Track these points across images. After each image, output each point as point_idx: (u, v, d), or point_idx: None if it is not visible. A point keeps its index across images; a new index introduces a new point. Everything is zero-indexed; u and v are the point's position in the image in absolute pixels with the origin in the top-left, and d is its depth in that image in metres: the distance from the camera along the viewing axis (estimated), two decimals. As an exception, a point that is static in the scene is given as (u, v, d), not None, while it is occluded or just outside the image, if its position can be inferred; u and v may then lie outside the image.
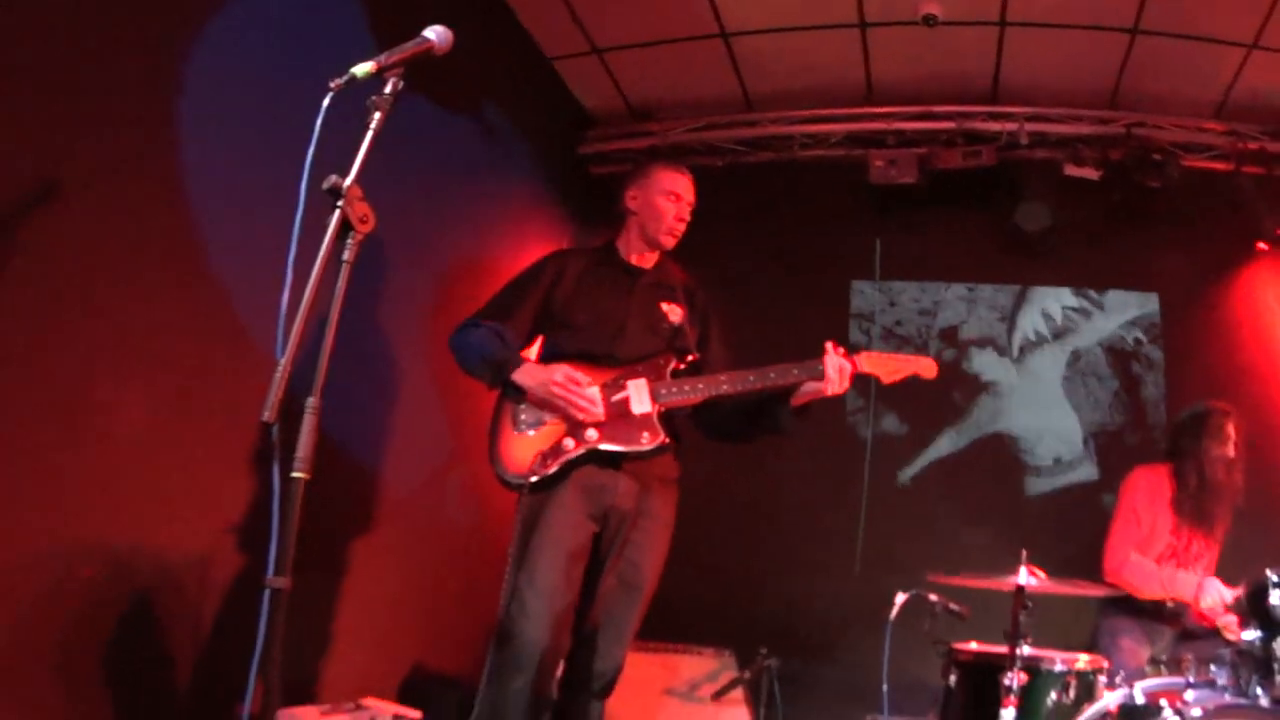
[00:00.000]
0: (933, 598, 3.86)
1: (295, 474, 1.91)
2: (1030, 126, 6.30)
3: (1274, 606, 2.99)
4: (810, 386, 3.28)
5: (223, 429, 3.48)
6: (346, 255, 2.05)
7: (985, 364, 6.52)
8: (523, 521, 3.16)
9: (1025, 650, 3.37)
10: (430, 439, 4.87)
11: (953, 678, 3.80)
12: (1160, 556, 4.32)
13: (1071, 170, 6.02)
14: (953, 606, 3.85)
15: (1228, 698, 2.86)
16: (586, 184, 6.73)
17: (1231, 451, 4.36)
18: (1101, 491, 5.75)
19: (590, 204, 6.44)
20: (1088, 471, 6.13)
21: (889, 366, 3.36)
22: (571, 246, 3.82)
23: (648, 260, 3.63)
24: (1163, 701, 2.87)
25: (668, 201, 3.53)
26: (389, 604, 4.57)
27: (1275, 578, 3.04)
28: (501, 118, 5.63)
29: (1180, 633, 4.28)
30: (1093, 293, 6.58)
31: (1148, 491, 4.42)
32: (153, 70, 3.20)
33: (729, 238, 6.42)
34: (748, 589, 5.93)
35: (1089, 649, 4.07)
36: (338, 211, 2.01)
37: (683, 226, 3.58)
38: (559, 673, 3.34)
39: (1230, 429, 4.40)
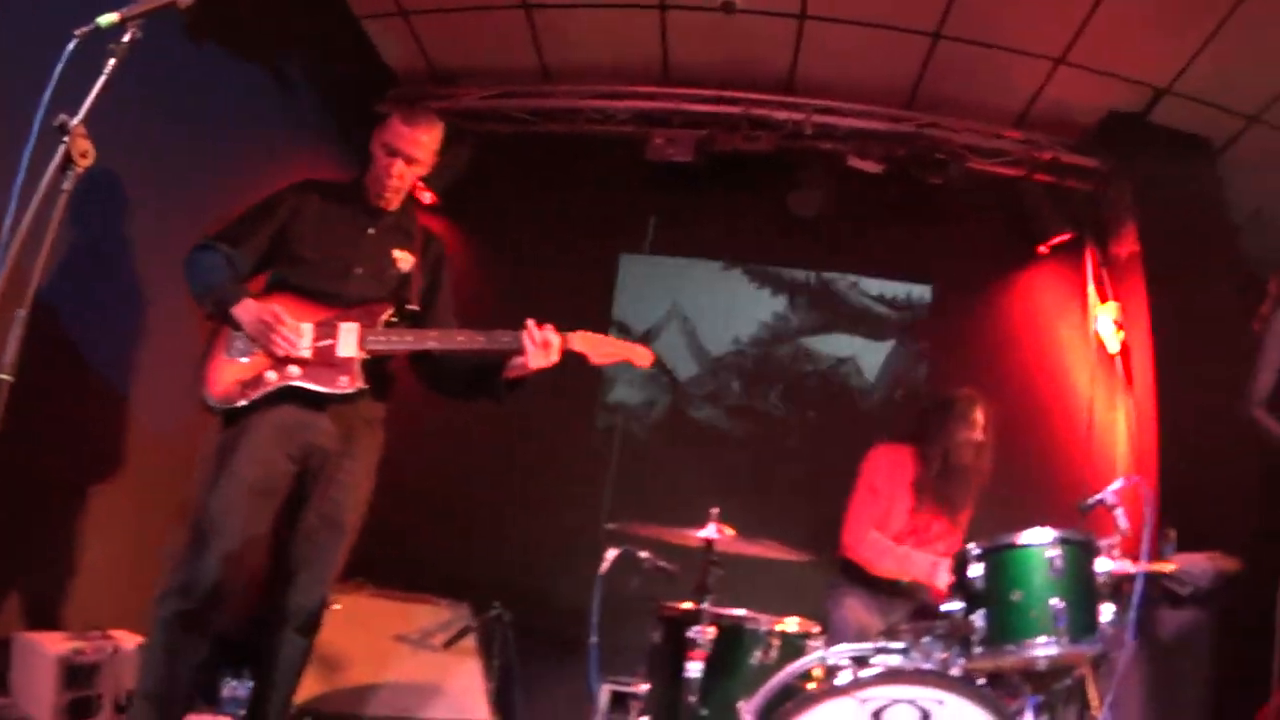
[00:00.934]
0: (643, 555, 3.91)
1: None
2: (821, 118, 6.54)
3: (972, 579, 3.14)
4: (521, 359, 3.34)
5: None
6: (66, 186, 2.16)
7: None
8: (216, 451, 3.18)
9: (740, 611, 3.57)
10: (185, 371, 4.79)
11: (656, 634, 3.90)
12: (899, 535, 4.45)
13: (855, 162, 6.29)
14: (661, 564, 3.91)
15: (903, 661, 3.00)
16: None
17: (979, 436, 4.51)
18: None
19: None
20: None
21: (602, 349, 3.44)
22: (321, 179, 3.74)
23: (392, 203, 3.62)
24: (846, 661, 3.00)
25: (384, 156, 3.50)
26: (138, 536, 4.49)
27: (975, 550, 3.19)
28: (300, 72, 5.61)
29: (917, 609, 4.43)
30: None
31: (888, 470, 4.55)
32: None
33: (512, 204, 6.70)
34: (488, 543, 6.06)
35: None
36: (61, 146, 2.13)
37: (399, 185, 3.57)
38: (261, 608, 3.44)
39: (978, 415, 4.54)
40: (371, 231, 3.55)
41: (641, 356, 3.52)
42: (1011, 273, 6.99)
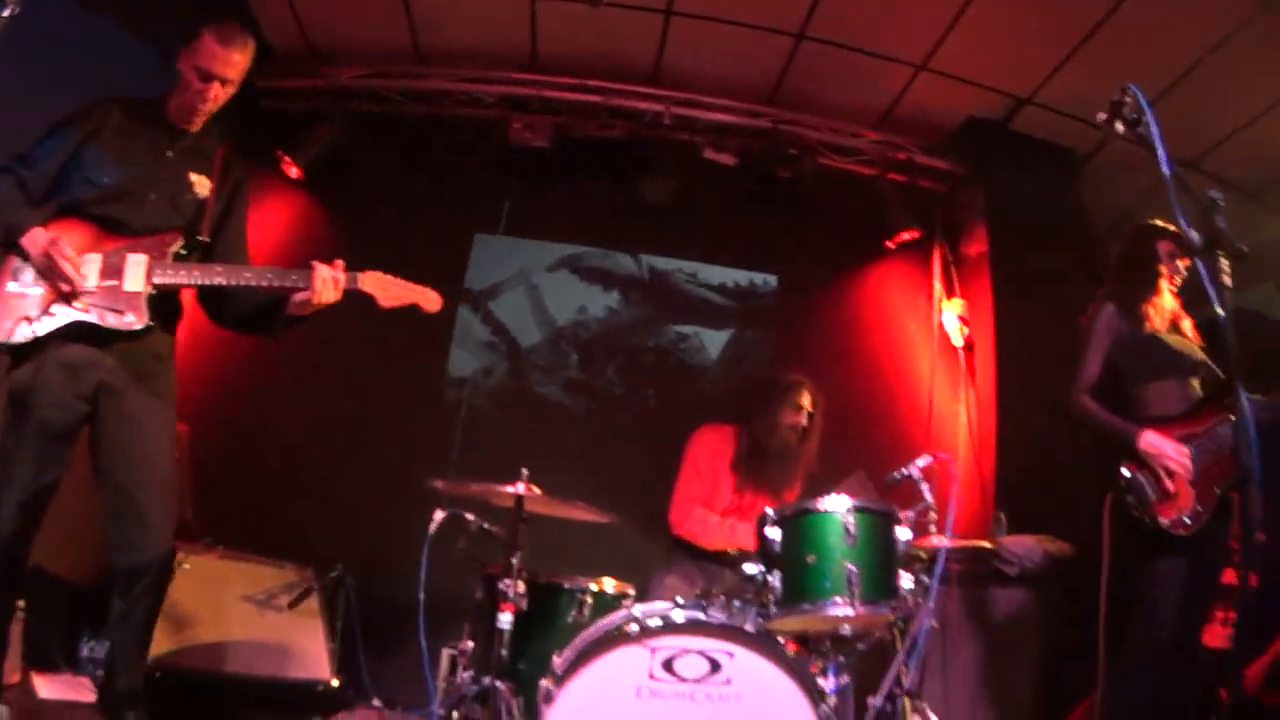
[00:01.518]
0: (469, 517, 3.99)
1: None
2: (680, 110, 6.77)
3: (770, 543, 3.30)
4: (304, 295, 3.31)
5: None
6: None
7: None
8: (3, 394, 3.06)
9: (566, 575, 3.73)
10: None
11: (479, 592, 4.02)
12: (724, 512, 4.63)
13: (710, 154, 6.51)
14: (486, 526, 3.99)
15: (692, 614, 3.14)
16: (255, 116, 6.53)
17: (802, 421, 4.69)
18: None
19: (254, 135, 6.19)
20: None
21: (390, 291, 3.40)
22: (125, 98, 3.49)
23: (194, 124, 3.49)
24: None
25: (198, 81, 3.37)
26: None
27: (773, 515, 3.35)
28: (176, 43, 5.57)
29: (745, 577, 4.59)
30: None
31: (709, 450, 4.73)
32: None
33: (376, 181, 6.81)
34: (332, 509, 6.10)
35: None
36: None
37: (212, 108, 3.45)
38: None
39: (803, 399, 4.73)
40: (170, 154, 3.43)
41: (430, 301, 3.48)
42: (859, 267, 7.29)
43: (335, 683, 4.85)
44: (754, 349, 7.21)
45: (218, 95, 3.42)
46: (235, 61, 3.40)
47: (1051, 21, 5.81)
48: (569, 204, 7.06)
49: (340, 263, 3.34)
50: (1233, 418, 3.69)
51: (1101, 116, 2.59)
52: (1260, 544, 5.07)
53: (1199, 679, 4.27)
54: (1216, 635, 5.05)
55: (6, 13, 2.21)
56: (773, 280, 7.26)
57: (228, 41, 3.37)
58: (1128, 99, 2.54)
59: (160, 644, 4.18)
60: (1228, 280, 2.52)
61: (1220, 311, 2.44)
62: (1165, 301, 4.00)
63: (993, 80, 6.51)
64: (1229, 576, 5.14)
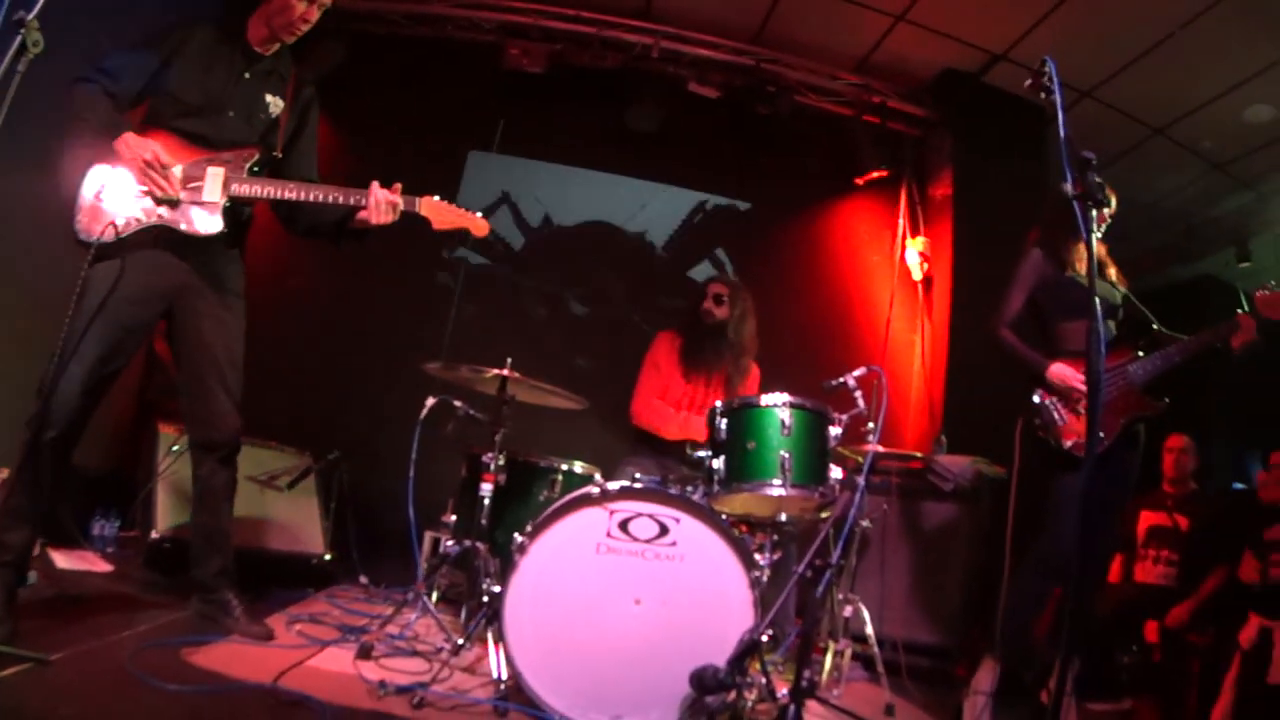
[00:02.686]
0: (457, 403, 4.34)
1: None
2: (669, 44, 7.15)
3: (717, 430, 3.76)
4: (365, 213, 3.58)
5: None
6: (21, 68, 2.56)
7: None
8: (84, 286, 3.30)
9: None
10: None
11: (463, 469, 4.46)
12: (677, 403, 5.07)
13: (694, 87, 6.88)
14: (473, 412, 4.35)
15: (639, 484, 3.50)
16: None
17: (720, 309, 5.15)
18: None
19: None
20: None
21: (444, 216, 3.67)
22: (206, 23, 3.72)
23: (269, 48, 3.72)
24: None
25: (299, 3, 3.59)
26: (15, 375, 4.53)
27: (720, 407, 3.80)
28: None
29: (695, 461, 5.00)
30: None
31: (665, 350, 5.22)
32: None
33: (377, 99, 7.12)
34: (330, 396, 6.62)
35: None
36: (19, 36, 2.54)
37: (305, 26, 3.68)
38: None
39: (719, 290, 5.20)
40: (247, 76, 3.65)
41: (480, 227, 3.74)
42: (829, 200, 7.76)
43: (328, 557, 5.25)
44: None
45: (309, 15, 3.65)
46: None
47: (1029, -17, 6.10)
48: (559, 127, 7.41)
49: (399, 186, 3.63)
50: (1141, 355, 4.12)
51: (1027, 83, 2.94)
52: (1194, 492, 5.59)
53: (1096, 593, 4.72)
54: (1149, 572, 5.57)
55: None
56: (744, 207, 7.73)
57: None
58: (1046, 70, 2.89)
59: (169, 517, 4.67)
60: (1097, 227, 2.89)
61: (1088, 251, 2.81)
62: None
63: (969, 35, 6.87)
64: (1161, 519, 5.67)
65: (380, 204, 3.56)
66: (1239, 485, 8.14)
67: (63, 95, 3.39)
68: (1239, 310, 3.97)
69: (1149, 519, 5.76)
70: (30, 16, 2.58)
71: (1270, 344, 4.00)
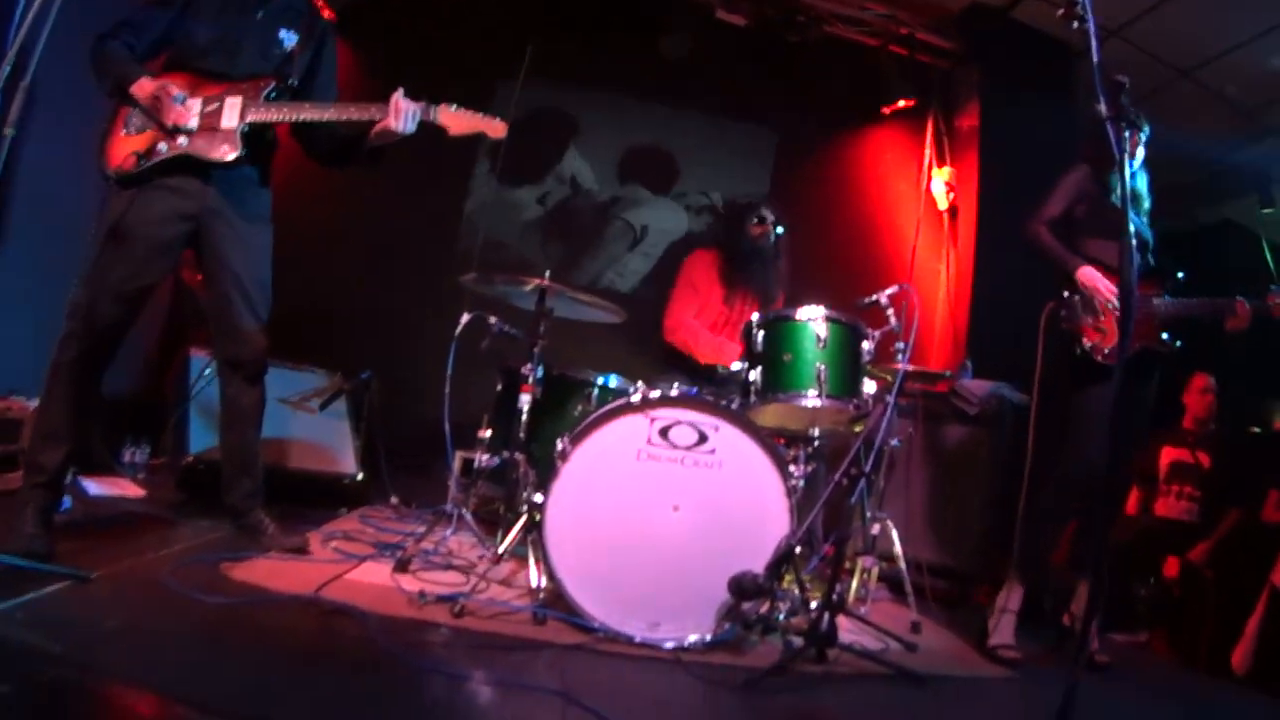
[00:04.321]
0: (492, 319, 4.36)
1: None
2: None
3: (754, 343, 3.82)
4: (382, 125, 3.64)
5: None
6: None
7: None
8: (110, 211, 3.41)
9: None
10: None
11: (499, 385, 4.51)
12: (714, 325, 5.10)
13: (722, 14, 6.83)
14: (507, 328, 4.38)
15: (678, 390, 3.54)
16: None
17: (766, 230, 5.17)
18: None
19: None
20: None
21: (460, 120, 3.69)
22: None
23: None
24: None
25: None
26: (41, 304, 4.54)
27: (757, 319, 3.85)
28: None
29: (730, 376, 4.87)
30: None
31: (701, 268, 5.20)
32: None
33: (403, 28, 7.08)
34: (361, 315, 6.64)
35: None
36: None
37: None
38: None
39: (766, 212, 5.21)
40: (260, 15, 3.72)
41: (495, 128, 3.74)
42: (856, 129, 7.78)
43: (360, 476, 5.32)
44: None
45: None
46: None
47: (1059, -81, 6.07)
48: (587, 55, 7.34)
49: (409, 98, 3.67)
50: (1166, 297, 4.11)
51: (1060, 12, 2.94)
52: (1214, 432, 5.62)
53: (1111, 516, 4.74)
54: (1171, 508, 5.61)
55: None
56: (772, 136, 7.72)
57: None
58: (1078, 3, 2.89)
59: (203, 440, 4.73)
60: (1131, 152, 2.91)
61: (1120, 172, 2.82)
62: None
63: (999, -31, 6.77)
64: (1183, 455, 5.71)
65: (403, 113, 3.61)
66: (1256, 429, 8.17)
67: (88, 55, 3.50)
68: (1237, 298, 3.95)
69: (1170, 454, 5.80)
70: None
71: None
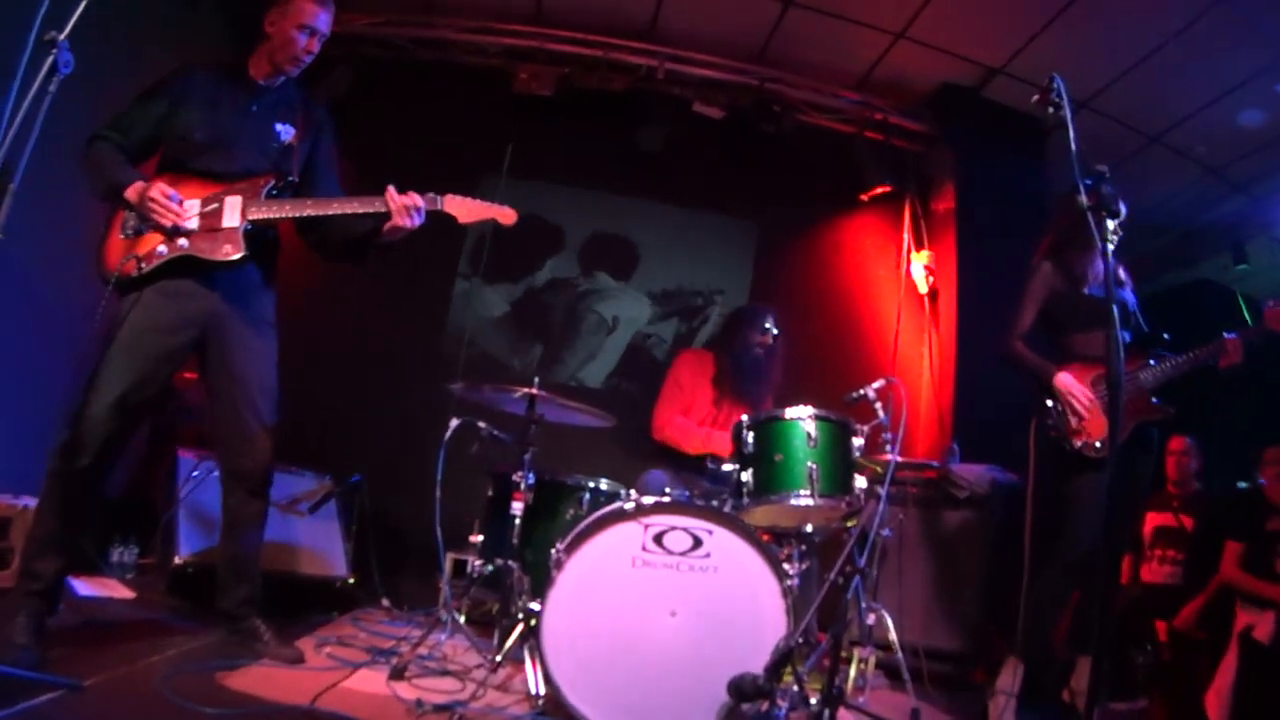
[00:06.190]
0: (481, 425, 4.38)
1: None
2: (673, 66, 7.23)
3: (745, 444, 3.83)
4: (392, 222, 3.59)
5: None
6: (52, 88, 2.58)
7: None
8: (111, 319, 3.34)
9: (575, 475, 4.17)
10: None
11: (489, 490, 4.51)
12: (702, 422, 5.11)
13: (699, 107, 6.98)
14: (496, 433, 4.40)
15: (679, 496, 3.59)
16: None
17: (769, 340, 5.20)
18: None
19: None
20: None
21: (468, 209, 3.69)
22: (204, 62, 3.78)
23: (273, 81, 3.74)
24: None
25: (300, 34, 3.61)
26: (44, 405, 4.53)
27: (747, 421, 3.88)
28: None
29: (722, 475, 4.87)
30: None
31: (691, 369, 5.24)
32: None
33: (385, 125, 7.09)
34: (352, 421, 6.63)
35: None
36: (50, 57, 2.56)
37: (309, 58, 3.70)
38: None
39: (769, 323, 5.23)
40: (255, 109, 3.67)
41: (506, 215, 3.71)
42: (835, 216, 7.82)
43: (351, 580, 5.28)
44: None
45: (312, 49, 3.70)
46: (326, 19, 3.70)
47: (1024, -2, 6.23)
48: (568, 150, 7.44)
49: (412, 193, 3.66)
50: (1153, 364, 4.17)
51: (1035, 99, 3.01)
52: (1197, 493, 5.65)
53: (1111, 595, 4.76)
54: (1155, 572, 5.63)
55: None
56: (752, 229, 7.76)
57: (324, 2, 3.68)
58: (1054, 87, 2.97)
59: (193, 542, 4.69)
60: (1111, 236, 2.97)
61: (1102, 261, 2.87)
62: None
63: (967, 50, 6.99)
64: (1167, 519, 5.74)
65: (403, 207, 3.60)
66: (1243, 484, 8.18)
67: (79, 156, 3.47)
68: (1224, 335, 4.01)
69: (1155, 520, 5.83)
70: (61, 36, 2.60)
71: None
